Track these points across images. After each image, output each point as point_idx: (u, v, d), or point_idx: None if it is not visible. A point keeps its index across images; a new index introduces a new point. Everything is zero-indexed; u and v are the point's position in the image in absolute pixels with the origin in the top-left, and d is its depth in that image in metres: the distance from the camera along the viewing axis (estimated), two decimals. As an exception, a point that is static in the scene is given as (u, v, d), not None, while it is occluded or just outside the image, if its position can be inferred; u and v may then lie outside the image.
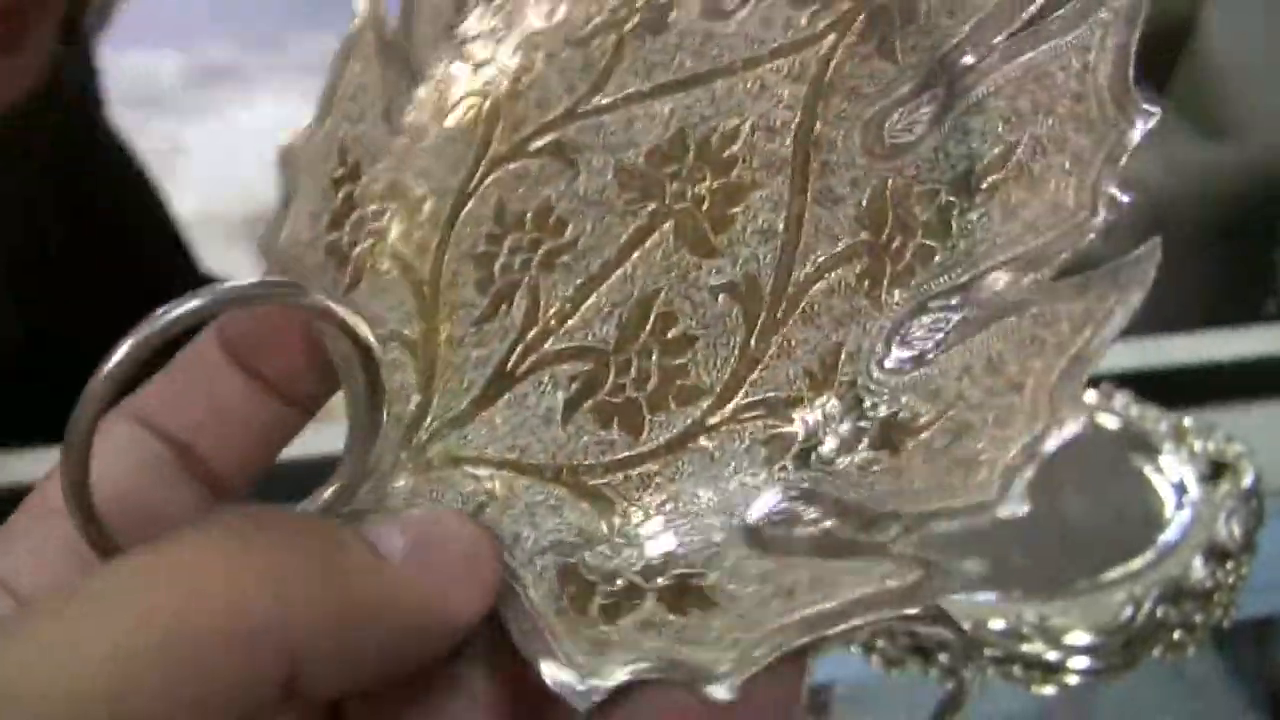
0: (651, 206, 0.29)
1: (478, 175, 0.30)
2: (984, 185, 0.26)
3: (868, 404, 0.26)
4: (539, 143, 0.30)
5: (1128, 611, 0.54)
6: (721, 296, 0.27)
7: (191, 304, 0.23)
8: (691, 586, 0.25)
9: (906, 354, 0.26)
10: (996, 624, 0.52)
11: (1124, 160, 0.25)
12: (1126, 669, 0.54)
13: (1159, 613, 0.54)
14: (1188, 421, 0.62)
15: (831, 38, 0.29)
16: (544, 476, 0.27)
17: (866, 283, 0.27)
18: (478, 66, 0.31)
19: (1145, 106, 0.25)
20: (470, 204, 0.30)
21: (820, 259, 0.27)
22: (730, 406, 0.27)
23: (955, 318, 0.26)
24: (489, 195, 0.30)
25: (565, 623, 0.24)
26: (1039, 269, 0.25)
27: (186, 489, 0.27)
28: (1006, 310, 0.25)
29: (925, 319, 0.26)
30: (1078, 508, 0.58)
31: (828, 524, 0.25)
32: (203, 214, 2.00)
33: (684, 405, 0.27)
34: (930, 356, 0.25)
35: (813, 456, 0.26)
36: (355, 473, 0.26)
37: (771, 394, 0.27)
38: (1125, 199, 0.25)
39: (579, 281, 0.28)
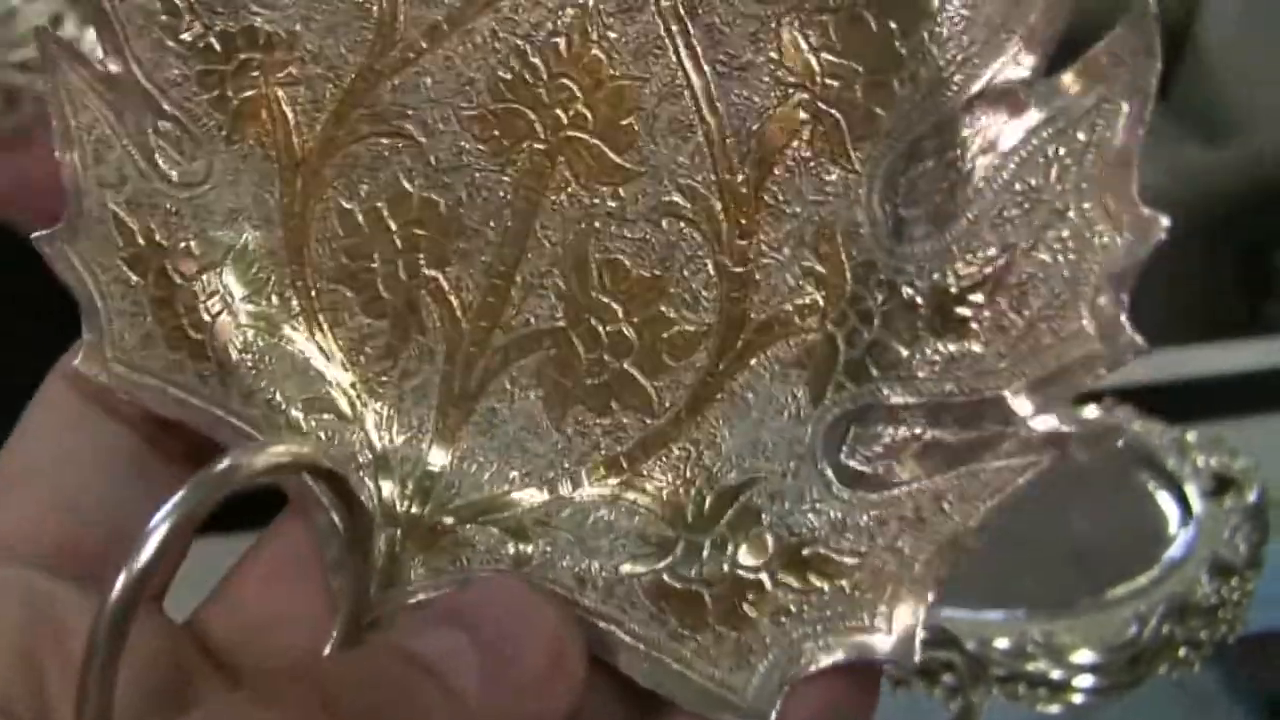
0: (526, 147, 0.24)
1: (297, 188, 0.25)
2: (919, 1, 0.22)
3: (900, 282, 0.22)
4: (348, 123, 0.25)
5: (1133, 629, 0.53)
6: (665, 221, 0.23)
7: (177, 517, 0.19)
8: (805, 555, 0.22)
9: (918, 212, 0.22)
10: (1001, 643, 0.52)
11: None
12: (1132, 686, 0.54)
13: (1165, 629, 0.54)
14: (1192, 436, 0.62)
15: None
16: (565, 491, 0.24)
17: (826, 147, 0.22)
18: (231, 70, 0.25)
19: None
20: (309, 226, 0.25)
21: (760, 139, 0.23)
22: (739, 339, 0.23)
23: (956, 154, 0.21)
24: (324, 207, 0.25)
25: (688, 643, 0.22)
26: (1027, 68, 0.21)
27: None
28: (1014, 132, 0.21)
29: (922, 169, 0.22)
30: (1082, 524, 0.58)
31: (927, 434, 0.21)
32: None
33: (684, 356, 0.23)
34: (949, 209, 0.21)
35: (868, 364, 0.22)
36: (359, 590, 0.23)
37: (780, 309, 0.23)
38: None
39: (485, 260, 0.24)
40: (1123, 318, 0.20)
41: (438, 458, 0.24)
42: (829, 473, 0.22)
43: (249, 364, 0.25)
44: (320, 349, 0.25)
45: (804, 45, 0.23)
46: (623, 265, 0.24)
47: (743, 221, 0.23)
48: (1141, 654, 0.53)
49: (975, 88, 0.21)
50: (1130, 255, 0.20)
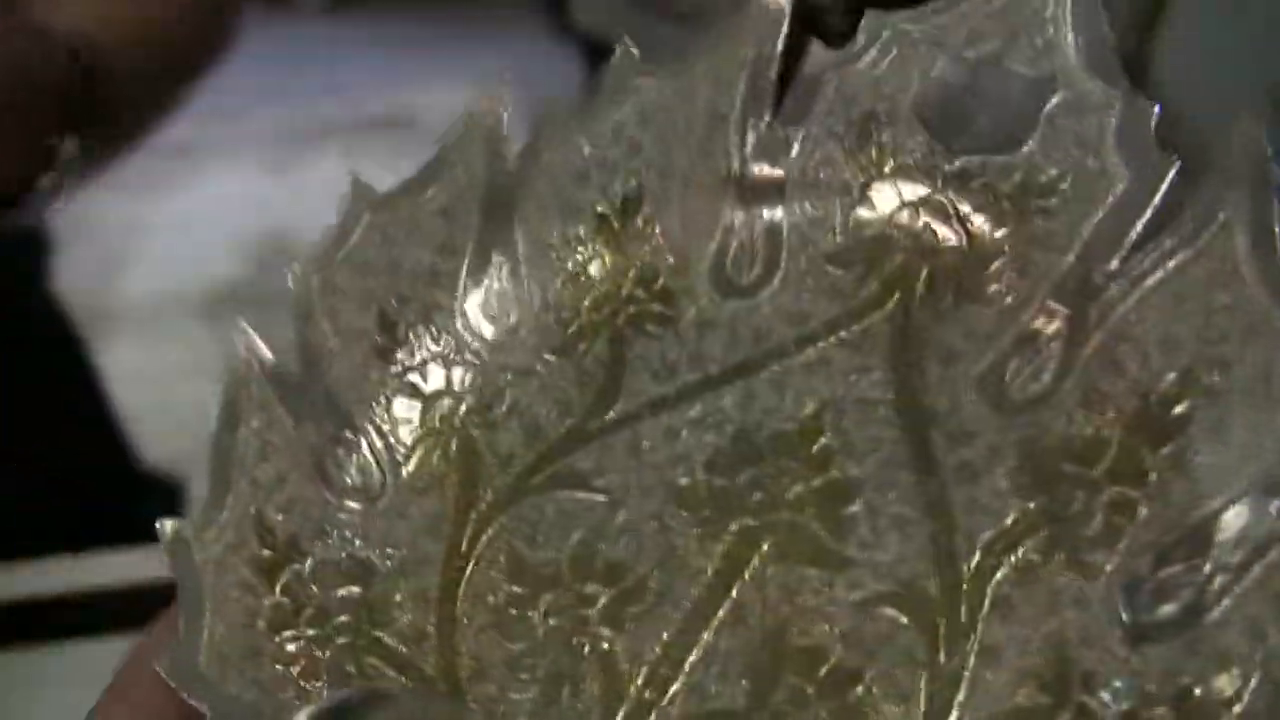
0: (736, 525, 0.23)
1: (469, 531, 0.24)
2: (1170, 417, 0.22)
3: (1137, 689, 0.21)
4: (542, 476, 0.24)
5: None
6: (877, 612, 0.22)
7: None
8: None
9: (1161, 619, 0.21)
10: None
11: None
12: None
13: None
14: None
15: (895, 298, 0.24)
16: None
17: (1060, 555, 0.22)
18: (429, 399, 0.25)
19: None
20: (470, 568, 0.24)
21: (989, 541, 0.22)
22: None
23: (1208, 565, 0.21)
24: (494, 551, 0.24)
25: None
26: (1276, 495, 0.21)
27: None
28: (1270, 543, 0.21)
29: (1167, 575, 0.21)
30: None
31: None
32: (163, 294, 1.99)
33: None
34: (1198, 614, 0.21)
35: None
36: None
37: (994, 711, 0.21)
38: None
39: (667, 635, 0.23)
40: None
41: None
42: None
43: (363, 705, 0.22)
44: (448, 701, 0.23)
45: (1044, 457, 0.22)
46: (824, 652, 0.22)
47: (962, 620, 0.22)
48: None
49: (1225, 504, 0.21)
50: None
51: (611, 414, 0.24)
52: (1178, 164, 0.23)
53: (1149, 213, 0.23)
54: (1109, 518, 0.22)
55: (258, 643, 0.23)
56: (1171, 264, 0.22)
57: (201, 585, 0.23)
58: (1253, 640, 0.20)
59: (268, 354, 0.25)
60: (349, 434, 0.24)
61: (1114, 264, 0.23)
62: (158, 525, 0.23)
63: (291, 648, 0.23)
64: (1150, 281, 0.22)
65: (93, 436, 0.67)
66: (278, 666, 0.23)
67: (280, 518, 0.24)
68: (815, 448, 0.23)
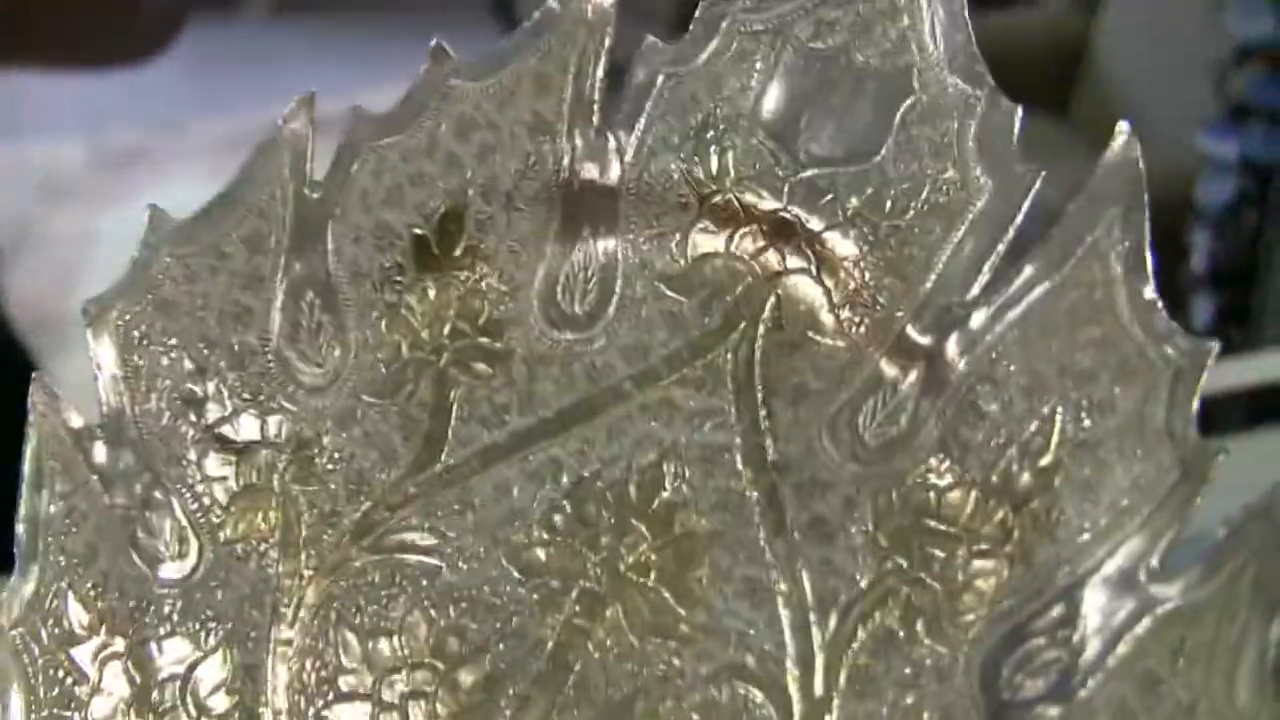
0: (577, 591, 0.22)
1: (291, 600, 0.22)
2: (1035, 470, 0.20)
3: None
4: (370, 539, 0.22)
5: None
6: (729, 686, 0.21)
7: None
8: None
9: (1027, 696, 0.20)
10: None
11: (1196, 398, 0.20)
12: None
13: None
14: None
15: (740, 329, 0.22)
16: None
17: (919, 623, 0.21)
18: (244, 453, 0.23)
19: (1187, 337, 0.20)
20: (294, 638, 0.22)
21: (844, 606, 0.21)
22: None
23: (1071, 634, 0.20)
24: (321, 623, 0.22)
25: None
26: (1147, 558, 0.20)
27: None
28: (1133, 613, 0.20)
29: (1033, 647, 0.20)
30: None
31: None
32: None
33: None
34: (1069, 692, 0.20)
35: None
36: None
37: None
38: (1222, 447, 0.20)
39: (508, 710, 0.22)
40: None
41: None
42: None
43: None
44: None
45: (902, 513, 0.21)
46: None
47: (818, 694, 0.21)
48: None
49: (1093, 568, 0.20)
50: None
51: (439, 466, 0.22)
52: (1042, 175, 0.21)
53: (1011, 231, 0.21)
54: (970, 581, 0.21)
55: None
56: (1035, 293, 0.21)
57: (6, 659, 0.22)
58: (1119, 706, 0.20)
59: (71, 413, 0.22)
60: (159, 495, 0.22)
61: (974, 291, 0.21)
62: None
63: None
64: (1013, 314, 0.21)
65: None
66: None
67: (93, 594, 0.22)
68: (656, 503, 0.22)
